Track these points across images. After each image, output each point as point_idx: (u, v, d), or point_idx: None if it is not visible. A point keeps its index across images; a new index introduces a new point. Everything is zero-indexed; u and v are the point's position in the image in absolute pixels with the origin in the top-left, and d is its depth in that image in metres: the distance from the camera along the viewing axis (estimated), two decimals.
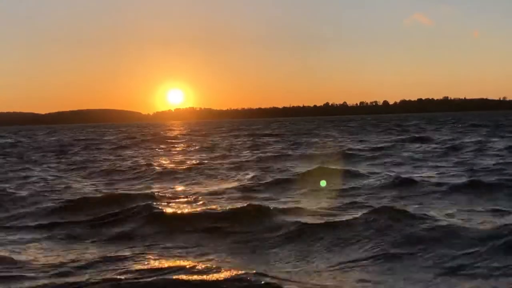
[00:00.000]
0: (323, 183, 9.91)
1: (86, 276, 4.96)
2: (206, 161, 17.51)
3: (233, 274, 4.77)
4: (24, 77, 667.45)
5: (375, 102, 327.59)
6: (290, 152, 20.62)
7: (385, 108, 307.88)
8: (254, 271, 4.91)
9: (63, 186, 11.85)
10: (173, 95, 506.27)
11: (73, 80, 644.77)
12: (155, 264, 5.42)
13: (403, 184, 10.17)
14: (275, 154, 19.45)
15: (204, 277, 4.81)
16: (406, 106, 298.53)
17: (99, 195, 10.07)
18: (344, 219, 6.80)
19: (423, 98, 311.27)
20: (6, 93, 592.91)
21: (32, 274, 5.16)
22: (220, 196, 9.72)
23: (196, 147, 26.33)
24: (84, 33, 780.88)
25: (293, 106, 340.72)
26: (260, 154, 20.17)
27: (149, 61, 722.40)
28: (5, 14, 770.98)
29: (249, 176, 12.56)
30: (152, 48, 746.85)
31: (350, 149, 21.32)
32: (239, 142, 30.37)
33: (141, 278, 4.89)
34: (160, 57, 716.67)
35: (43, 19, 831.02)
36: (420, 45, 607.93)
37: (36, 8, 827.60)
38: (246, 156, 19.59)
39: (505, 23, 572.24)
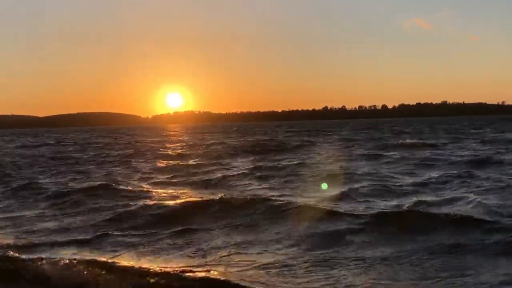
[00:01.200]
0: (324, 186, 9.84)
1: None
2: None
3: None
4: (23, 80, 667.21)
5: (374, 106, 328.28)
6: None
7: (384, 112, 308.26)
8: None
9: None
10: (172, 98, 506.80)
11: (72, 83, 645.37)
12: None
13: None
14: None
15: None
16: (404, 110, 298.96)
17: None
18: None
19: (422, 102, 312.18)
20: (5, 96, 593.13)
21: None
22: None
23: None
24: (84, 36, 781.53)
25: (292, 110, 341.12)
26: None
27: (148, 65, 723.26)
28: (4, 16, 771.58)
29: None
30: (151, 52, 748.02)
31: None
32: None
33: None
34: (159, 61, 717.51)
35: (42, 22, 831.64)
36: (419, 50, 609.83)
37: (35, 11, 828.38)
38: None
39: (504, 28, 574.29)
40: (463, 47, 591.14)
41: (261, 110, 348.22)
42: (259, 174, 14.12)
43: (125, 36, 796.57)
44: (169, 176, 15.25)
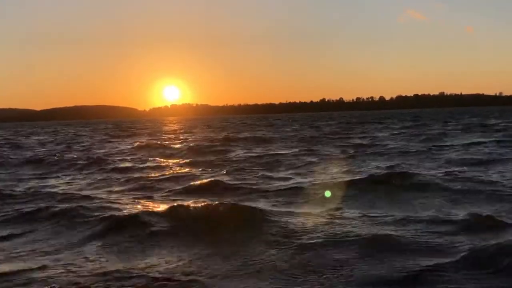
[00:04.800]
0: (327, 193, 9.60)
1: None
2: None
3: None
4: (20, 73, 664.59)
5: (372, 97, 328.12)
6: None
7: (382, 103, 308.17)
8: None
9: None
10: (170, 91, 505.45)
11: (69, 77, 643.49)
12: None
13: None
14: None
15: None
16: (402, 102, 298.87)
17: None
18: None
19: (419, 94, 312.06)
20: (3, 90, 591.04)
21: None
22: None
23: None
24: (80, 29, 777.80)
25: (290, 102, 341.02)
26: None
27: (145, 58, 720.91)
28: (2, 12, 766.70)
29: None
30: (148, 45, 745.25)
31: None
32: None
33: None
34: (156, 53, 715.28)
35: (39, 16, 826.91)
36: (415, 41, 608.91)
37: (32, 5, 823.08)
38: None
39: (501, 18, 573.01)
40: (459, 38, 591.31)
41: (259, 102, 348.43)
42: None
43: (121, 30, 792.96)
44: None
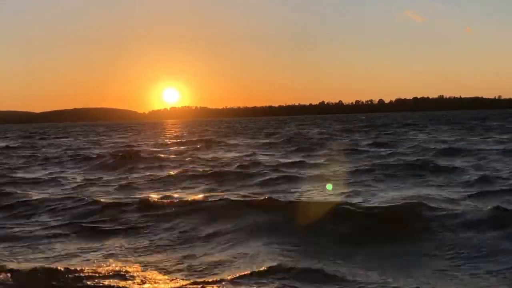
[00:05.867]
0: (329, 186, 9.56)
1: None
2: None
3: None
4: (18, 75, 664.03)
5: (371, 100, 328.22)
6: None
7: (381, 106, 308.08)
8: None
9: None
10: (169, 93, 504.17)
11: (68, 79, 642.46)
12: None
13: None
14: None
15: None
16: (401, 105, 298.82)
17: None
18: None
19: (419, 97, 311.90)
20: (2, 92, 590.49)
21: None
22: None
23: None
24: (79, 31, 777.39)
25: (289, 105, 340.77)
26: None
27: (145, 60, 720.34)
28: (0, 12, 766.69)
29: None
30: (148, 47, 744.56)
31: None
32: None
33: None
34: (156, 56, 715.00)
35: (37, 17, 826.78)
36: (414, 43, 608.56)
37: (29, 5, 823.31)
38: None
39: (500, 20, 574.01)
40: (459, 40, 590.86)
41: (258, 105, 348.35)
42: None
43: (121, 32, 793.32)
44: None
